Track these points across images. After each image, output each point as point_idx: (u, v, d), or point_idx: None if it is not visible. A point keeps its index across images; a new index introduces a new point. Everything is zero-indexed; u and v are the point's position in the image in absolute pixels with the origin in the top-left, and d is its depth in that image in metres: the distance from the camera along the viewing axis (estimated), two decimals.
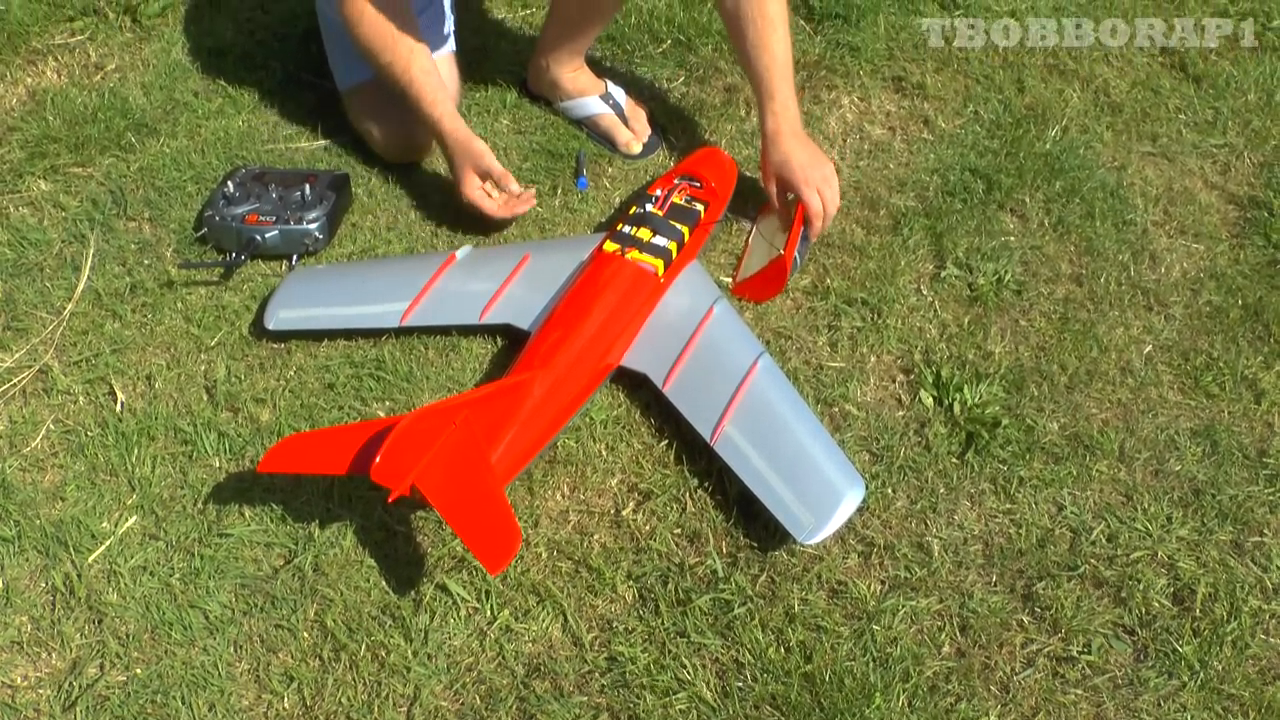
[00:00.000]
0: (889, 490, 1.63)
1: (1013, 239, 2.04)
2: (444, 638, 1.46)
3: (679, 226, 1.84)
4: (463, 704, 1.41)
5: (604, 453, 1.66)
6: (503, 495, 1.43)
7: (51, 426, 1.70)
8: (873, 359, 1.81)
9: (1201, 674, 1.45)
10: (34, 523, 1.58)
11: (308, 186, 1.98)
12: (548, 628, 1.48)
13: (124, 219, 2.04)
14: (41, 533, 1.56)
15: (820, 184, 1.89)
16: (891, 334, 1.85)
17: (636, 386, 1.72)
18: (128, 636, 1.47)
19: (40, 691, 1.42)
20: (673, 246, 1.81)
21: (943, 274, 1.96)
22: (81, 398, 1.73)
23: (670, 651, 1.45)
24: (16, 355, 1.79)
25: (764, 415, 1.59)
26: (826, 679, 1.42)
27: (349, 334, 1.80)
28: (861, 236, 2.03)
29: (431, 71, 1.94)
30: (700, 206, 1.90)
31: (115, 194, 2.08)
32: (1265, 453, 1.70)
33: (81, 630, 1.47)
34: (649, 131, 2.24)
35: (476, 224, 2.02)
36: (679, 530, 1.57)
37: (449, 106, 1.95)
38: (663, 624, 1.47)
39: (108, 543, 1.55)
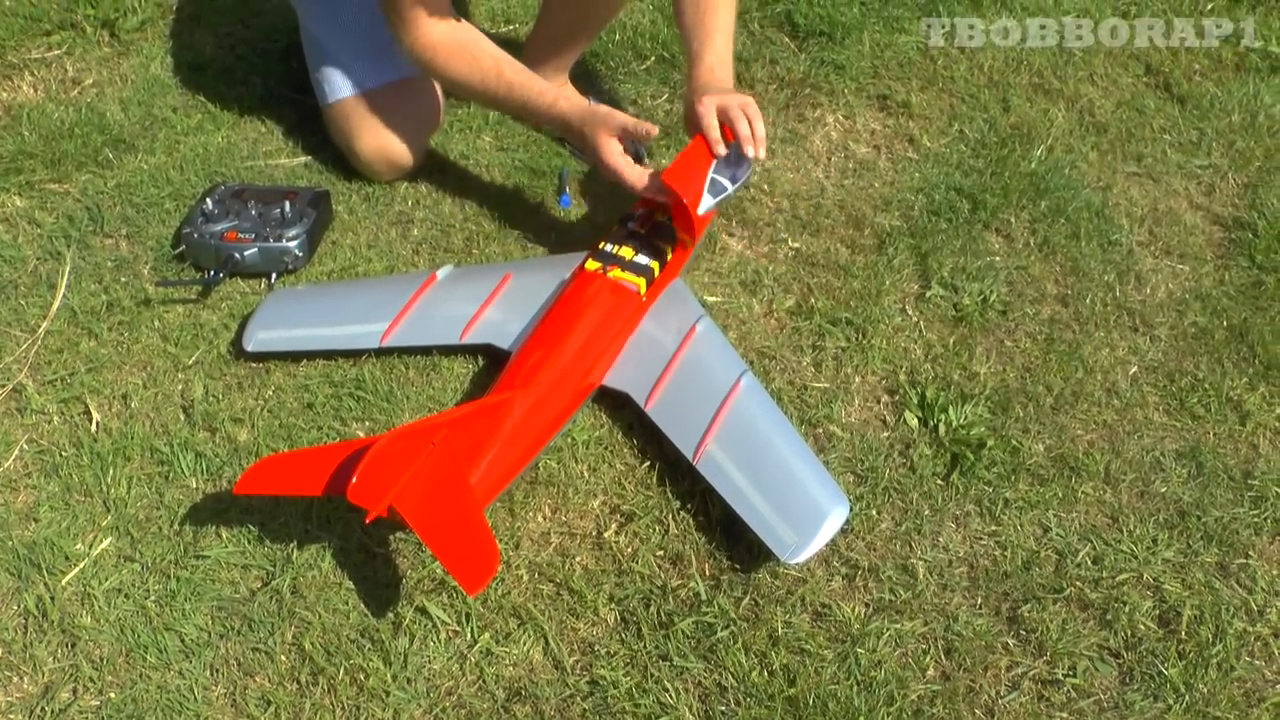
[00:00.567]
0: (874, 512, 1.63)
1: (998, 259, 2.06)
2: (424, 661, 1.46)
3: (662, 245, 1.85)
4: None
5: (586, 474, 1.66)
6: (481, 515, 1.44)
7: (25, 446, 1.69)
8: (857, 379, 1.82)
9: (1187, 697, 1.46)
10: (6, 544, 1.57)
11: (288, 203, 1.98)
12: (529, 651, 1.48)
13: (101, 236, 2.04)
14: (14, 554, 1.56)
15: (745, 107, 1.83)
16: (876, 354, 1.86)
17: (619, 407, 1.72)
18: (102, 660, 1.46)
19: (11, 717, 1.41)
20: (655, 265, 1.81)
21: (928, 294, 1.98)
22: (56, 417, 1.73)
23: (653, 675, 1.45)
24: None
25: (747, 434, 1.60)
26: (810, 703, 1.43)
27: (329, 354, 1.81)
28: (846, 256, 2.04)
29: (521, 69, 1.90)
30: None
31: (92, 210, 2.08)
32: (1250, 474, 1.72)
33: (54, 654, 1.47)
34: (634, 149, 2.25)
35: (459, 241, 2.03)
36: (662, 552, 1.58)
37: (554, 89, 1.90)
38: (645, 647, 1.48)
39: (82, 564, 1.55)
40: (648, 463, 1.67)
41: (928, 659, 1.48)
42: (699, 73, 1.88)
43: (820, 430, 1.74)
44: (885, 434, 1.74)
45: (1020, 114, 2.39)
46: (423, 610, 1.50)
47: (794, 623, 1.50)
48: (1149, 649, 1.50)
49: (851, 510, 1.60)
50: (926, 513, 1.64)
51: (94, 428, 1.71)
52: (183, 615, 1.50)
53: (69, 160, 2.17)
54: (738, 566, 1.56)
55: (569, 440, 1.69)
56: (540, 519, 1.61)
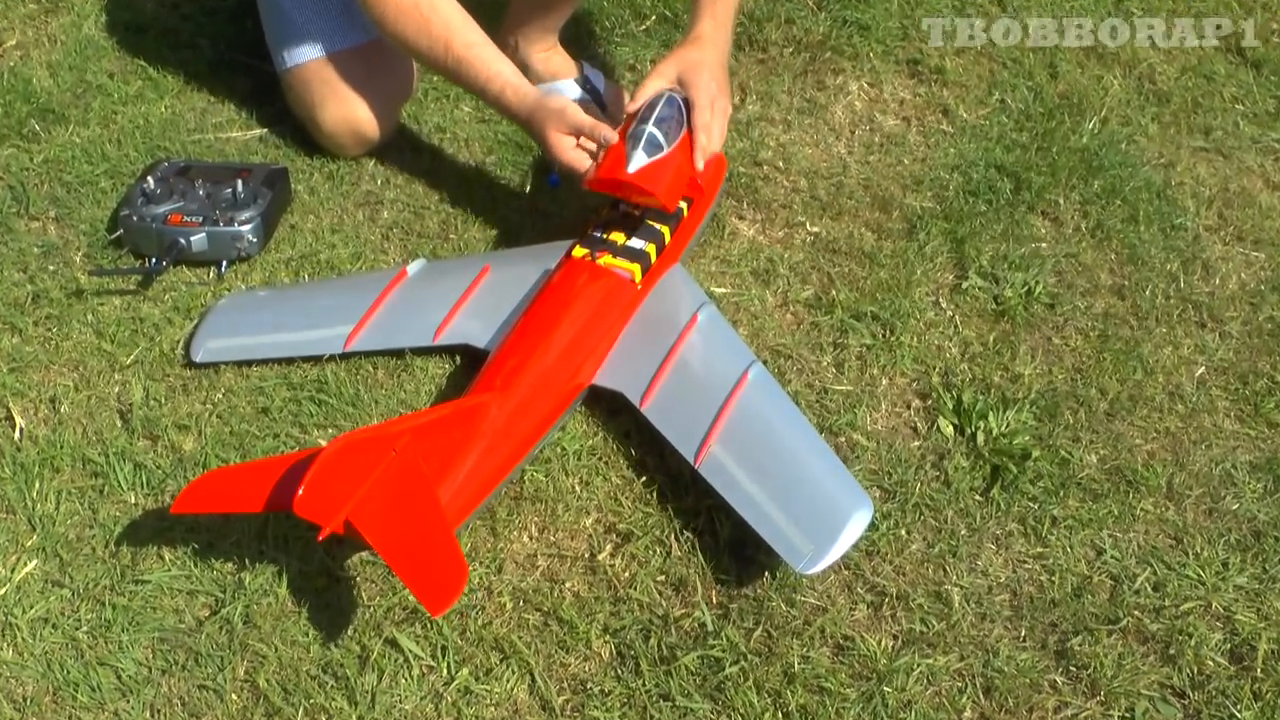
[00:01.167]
0: (903, 532, 1.63)
1: (1044, 245, 2.06)
2: (394, 700, 1.46)
3: (658, 227, 1.85)
4: None
5: (577, 488, 1.67)
6: (449, 531, 1.44)
7: None
8: (884, 382, 1.83)
9: None
10: None
11: (240, 183, 1.98)
12: (512, 689, 1.48)
13: (25, 218, 2.04)
14: None
15: (720, 112, 1.88)
16: (906, 353, 1.86)
17: (615, 412, 1.73)
18: (25, 700, 1.46)
19: None
20: (651, 249, 1.82)
21: (964, 285, 1.98)
22: None
23: (653, 717, 1.45)
24: None
25: (756, 432, 1.61)
26: None
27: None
28: (872, 242, 2.05)
29: (478, 43, 1.91)
30: (683, 204, 1.91)
31: (16, 190, 2.08)
32: None
33: None
34: (592, 89, 2.25)
35: (434, 226, 2.03)
36: (663, 577, 1.58)
37: (511, 75, 1.91)
38: (644, 685, 1.48)
39: (3, 590, 1.55)
40: (647, 475, 1.67)
41: (964, 699, 1.48)
42: (682, 41, 1.92)
43: (842, 439, 1.74)
44: (916, 444, 1.75)
45: (1070, 81, 2.39)
46: (393, 642, 1.50)
47: (812, 657, 1.50)
48: (1218, 688, 1.50)
49: (876, 520, 1.61)
50: (963, 532, 1.64)
51: (17, 435, 1.72)
52: (119, 648, 1.50)
53: None
54: (749, 593, 1.56)
55: (558, 450, 1.69)
56: (526, 539, 1.61)
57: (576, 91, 2.24)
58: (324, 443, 1.70)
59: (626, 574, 1.58)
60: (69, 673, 1.48)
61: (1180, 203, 2.16)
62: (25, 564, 1.58)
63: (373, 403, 1.75)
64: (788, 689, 1.47)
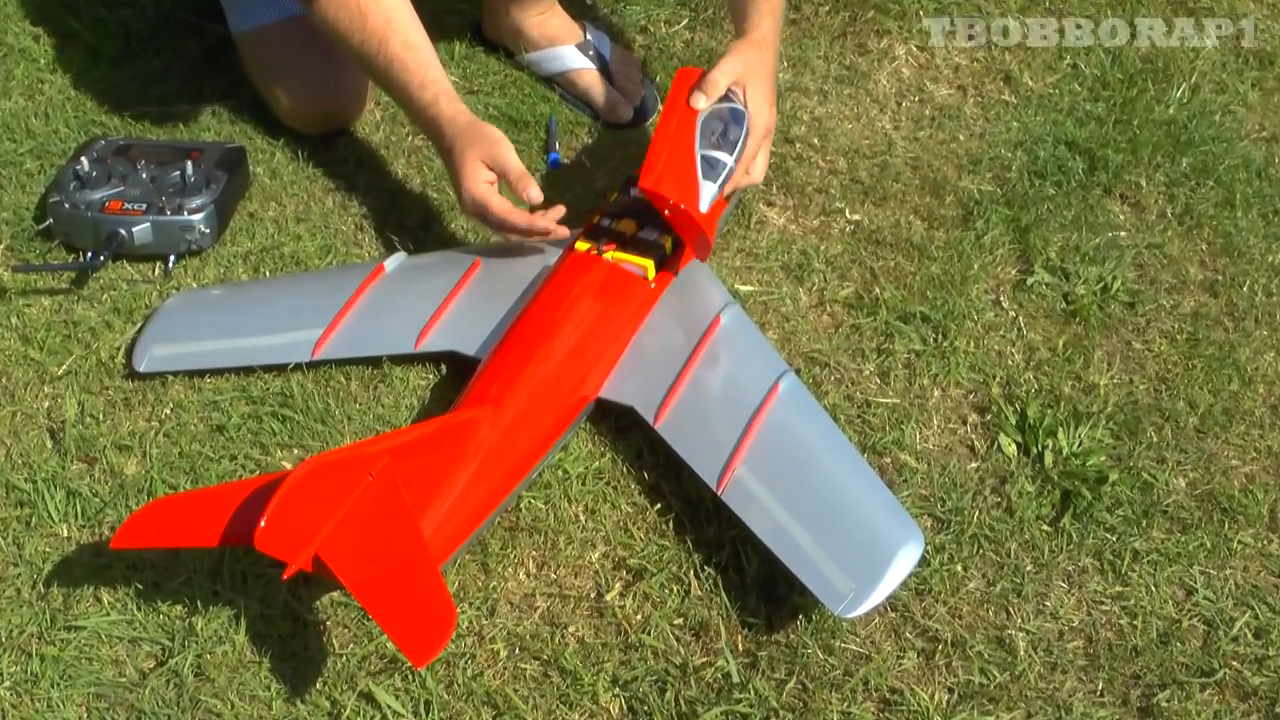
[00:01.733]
0: (959, 567, 1.63)
1: (1123, 234, 2.06)
2: None
3: None
4: None
5: (582, 517, 1.67)
6: (434, 568, 1.44)
7: None
8: (936, 393, 1.83)
9: None
10: None
11: (189, 164, 1.99)
12: None
13: None
14: None
15: (768, 140, 1.88)
16: (961, 360, 1.86)
17: (625, 428, 1.73)
18: None
19: None
20: (666, 242, 1.82)
21: (1029, 281, 1.98)
22: None
23: None
24: None
25: (787, 453, 1.61)
26: None
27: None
28: (921, 231, 2.05)
29: (420, 47, 1.90)
30: None
31: None
32: None
33: None
34: (643, 91, 2.26)
35: (416, 215, 2.03)
36: (681, 620, 1.58)
37: (445, 85, 1.90)
38: None
39: None
40: (662, 503, 1.67)
41: None
42: (743, 37, 1.91)
43: (888, 460, 1.74)
44: (974, 465, 1.75)
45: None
46: (368, 696, 1.50)
47: (855, 713, 1.50)
48: None
49: (928, 554, 1.60)
50: (1029, 568, 1.64)
51: None
52: (49, 706, 1.50)
53: None
54: (780, 639, 1.55)
55: (559, 473, 1.69)
56: (523, 576, 1.61)
57: (579, 59, 2.24)
58: (288, 465, 1.70)
59: (639, 616, 1.58)
60: None
61: None
62: None
63: (345, 419, 1.75)
64: None
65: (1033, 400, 1.81)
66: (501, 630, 1.56)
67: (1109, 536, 1.67)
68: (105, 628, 1.55)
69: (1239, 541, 1.68)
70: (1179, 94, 2.28)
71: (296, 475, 1.37)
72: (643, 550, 1.63)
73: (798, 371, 1.82)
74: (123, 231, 1.92)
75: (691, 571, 1.61)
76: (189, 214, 1.94)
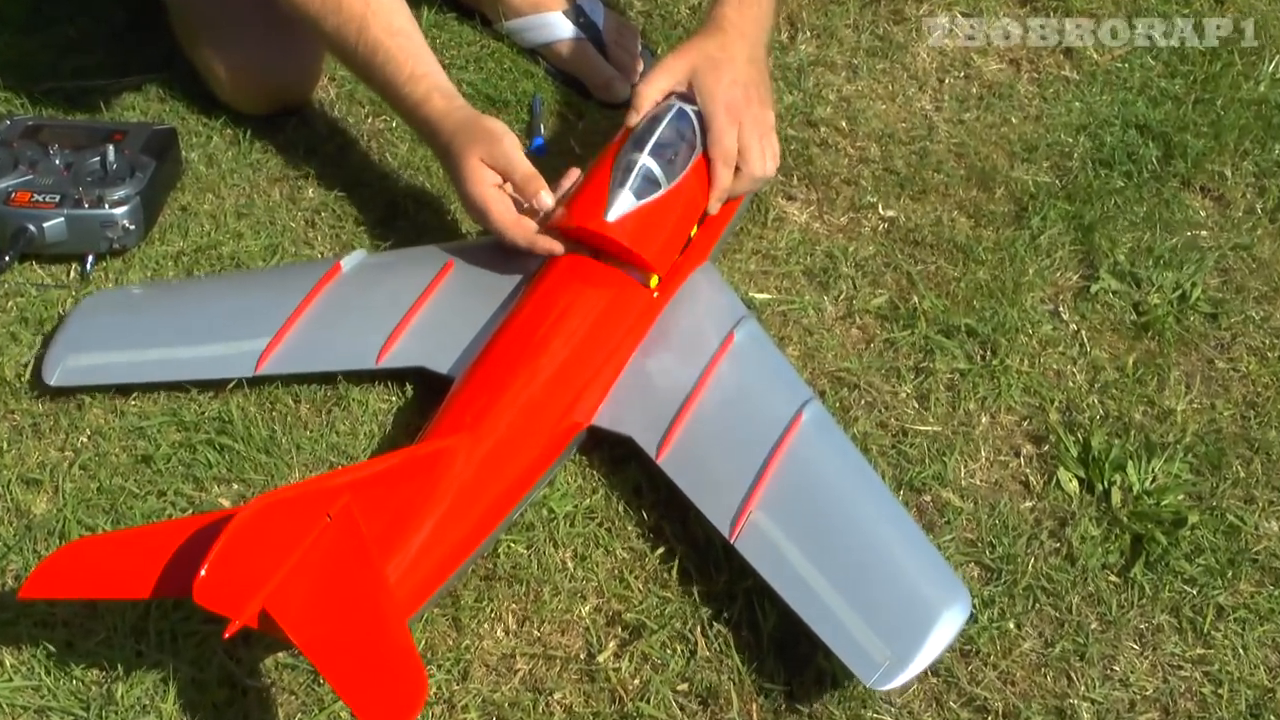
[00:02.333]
0: (1011, 625, 1.63)
1: (1205, 234, 2.06)
2: None
3: None
4: None
5: (570, 564, 1.66)
6: (401, 623, 1.44)
7: None
8: (985, 420, 1.83)
9: None
10: None
11: (112, 149, 1.98)
12: None
13: None
14: None
15: (752, 126, 1.87)
16: (1014, 382, 1.86)
17: (622, 461, 1.73)
18: None
19: None
20: None
21: (1094, 288, 1.98)
22: None
23: None
24: None
25: (811, 495, 1.61)
26: None
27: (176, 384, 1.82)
28: (967, 230, 2.05)
29: (406, 31, 1.89)
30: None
31: None
32: None
33: None
34: (641, 66, 2.26)
35: (378, 208, 2.03)
36: (685, 685, 1.57)
37: (438, 77, 1.89)
38: None
39: None
40: (664, 547, 1.67)
41: None
42: (700, 28, 1.92)
43: (927, 498, 1.74)
44: (1028, 504, 1.74)
45: (1243, 5, 2.39)
46: None
47: None
48: None
49: (976, 610, 1.60)
50: (1094, 626, 1.63)
51: None
52: None
53: None
54: (802, 708, 1.55)
55: (544, 513, 1.69)
56: (501, 633, 1.61)
57: (567, 28, 2.24)
58: (226, 503, 1.70)
59: (636, 681, 1.58)
60: None
61: None
62: None
63: (293, 448, 1.75)
64: None
65: (1098, 428, 1.81)
66: (476, 697, 1.56)
67: (1188, 589, 1.67)
68: (8, 695, 1.54)
69: None
70: (1272, 68, 2.29)
71: (243, 516, 1.37)
72: (641, 603, 1.63)
73: (822, 394, 1.82)
74: (31, 227, 1.93)
75: (698, 629, 1.61)
76: (110, 207, 1.94)
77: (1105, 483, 1.75)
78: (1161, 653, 1.62)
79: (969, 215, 2.07)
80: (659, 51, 2.29)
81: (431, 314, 1.81)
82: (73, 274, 1.96)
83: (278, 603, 1.36)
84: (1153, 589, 1.66)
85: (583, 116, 2.19)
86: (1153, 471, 1.76)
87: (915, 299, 1.95)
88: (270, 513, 1.39)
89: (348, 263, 1.88)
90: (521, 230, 1.81)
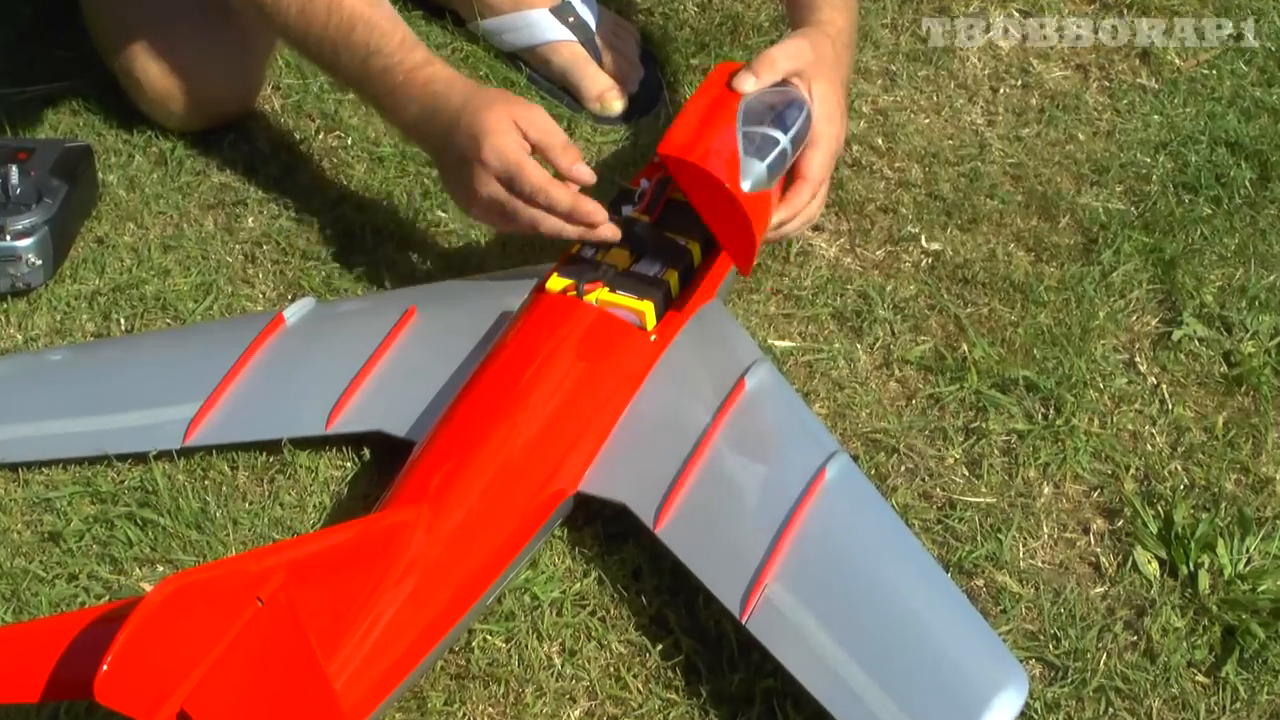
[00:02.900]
0: None
1: None
2: None
3: (683, 243, 1.86)
4: None
5: (557, 659, 1.65)
6: None
7: None
8: (1048, 491, 1.82)
9: None
10: None
11: (14, 170, 1.99)
12: None
13: None
14: None
15: (829, 145, 1.88)
16: (1082, 445, 1.85)
17: (616, 537, 1.73)
18: None
19: None
20: (672, 278, 1.83)
21: (1176, 335, 1.98)
22: None
23: None
24: None
25: (838, 564, 1.61)
26: None
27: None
28: (1025, 266, 2.05)
29: (383, 1, 1.91)
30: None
31: None
32: None
33: None
34: (640, 73, 2.27)
35: (329, 242, 2.03)
36: None
37: (433, 54, 1.90)
38: None
39: None
40: (667, 640, 1.66)
41: None
42: (804, 25, 1.93)
43: (980, 582, 1.73)
44: (1099, 590, 1.74)
45: None
46: None
47: None
48: None
49: (1037, 709, 1.59)
50: None
51: None
52: None
53: None
54: None
55: (525, 599, 1.68)
56: None
57: (556, 29, 2.25)
58: (149, 587, 1.68)
59: None
60: None
61: None
62: None
63: (229, 523, 1.74)
64: None
65: (1182, 501, 1.80)
66: None
67: None
68: None
69: None
70: None
71: (152, 600, 1.35)
72: (641, 707, 1.62)
73: (855, 458, 1.80)
74: None
75: None
76: (12, 239, 1.95)
77: (1191, 565, 1.74)
78: None
79: (1028, 249, 2.07)
80: (662, 57, 2.29)
81: (390, 369, 1.81)
82: None
83: (199, 704, 1.34)
84: (1248, 691, 1.65)
85: (572, 133, 2.19)
86: (1247, 552, 1.75)
87: (965, 347, 1.95)
88: (186, 595, 1.37)
89: (292, 313, 1.88)
90: (563, 193, 1.78)
